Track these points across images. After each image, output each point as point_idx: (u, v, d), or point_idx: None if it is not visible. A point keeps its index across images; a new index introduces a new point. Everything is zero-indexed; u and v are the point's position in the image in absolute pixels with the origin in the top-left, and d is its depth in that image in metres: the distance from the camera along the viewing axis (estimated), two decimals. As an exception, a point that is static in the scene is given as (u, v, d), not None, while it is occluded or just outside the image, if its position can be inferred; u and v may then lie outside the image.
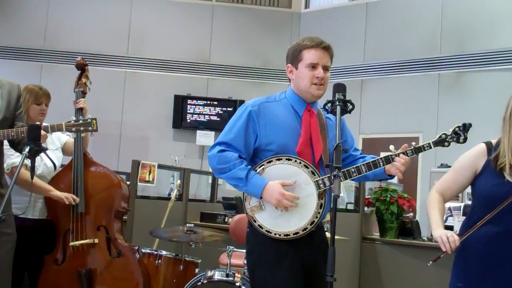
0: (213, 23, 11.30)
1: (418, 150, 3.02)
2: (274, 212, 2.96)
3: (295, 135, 3.04)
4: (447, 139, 3.05)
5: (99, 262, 4.32)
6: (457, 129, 3.05)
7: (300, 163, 2.96)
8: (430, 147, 3.03)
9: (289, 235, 2.95)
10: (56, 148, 4.54)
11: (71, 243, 4.28)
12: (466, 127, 3.04)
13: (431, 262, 3.05)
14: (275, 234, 2.96)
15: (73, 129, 3.77)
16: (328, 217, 3.34)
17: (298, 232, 2.95)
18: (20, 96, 3.87)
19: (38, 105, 4.39)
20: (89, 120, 3.78)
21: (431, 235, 5.02)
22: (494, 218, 3.11)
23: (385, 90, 10.28)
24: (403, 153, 3.00)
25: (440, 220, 3.17)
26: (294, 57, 3.12)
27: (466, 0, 9.60)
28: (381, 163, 3.00)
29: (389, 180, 4.09)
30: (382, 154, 3.04)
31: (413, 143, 3.04)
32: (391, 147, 3.03)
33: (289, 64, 3.15)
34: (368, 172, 3.01)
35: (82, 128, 3.77)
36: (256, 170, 2.99)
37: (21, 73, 10.04)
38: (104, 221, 4.39)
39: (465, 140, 3.05)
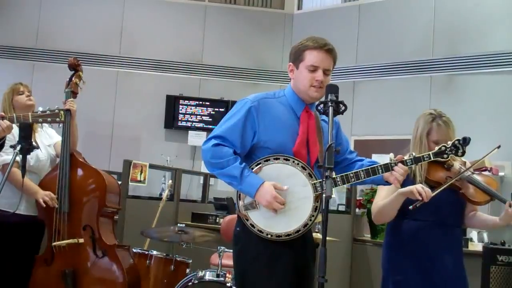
0: (206, 24, 11.29)
1: (417, 160, 3.06)
2: (267, 212, 2.92)
3: (293, 134, 3.01)
4: (446, 151, 3.10)
5: (84, 262, 4.28)
6: (456, 142, 3.11)
7: (297, 164, 2.93)
8: (430, 158, 3.08)
9: (281, 236, 2.92)
10: (49, 144, 4.51)
11: (54, 243, 4.23)
12: (466, 141, 3.09)
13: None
14: (267, 234, 2.92)
15: (40, 119, 3.75)
16: (319, 218, 3.34)
17: (291, 234, 2.92)
18: None
19: (21, 94, 4.37)
20: (56, 111, 3.74)
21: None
22: (422, 212, 3.29)
23: (377, 92, 10.28)
24: (401, 162, 3.01)
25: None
26: (296, 57, 3.09)
27: (458, 2, 9.61)
28: (380, 171, 3.00)
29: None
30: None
31: (413, 153, 3.06)
32: (391, 155, 3.05)
33: (291, 63, 3.13)
34: (366, 178, 3.01)
35: (49, 119, 3.75)
36: (252, 168, 2.95)
37: (13, 72, 10.00)
38: (89, 221, 4.33)
39: (463, 154, 3.12)
